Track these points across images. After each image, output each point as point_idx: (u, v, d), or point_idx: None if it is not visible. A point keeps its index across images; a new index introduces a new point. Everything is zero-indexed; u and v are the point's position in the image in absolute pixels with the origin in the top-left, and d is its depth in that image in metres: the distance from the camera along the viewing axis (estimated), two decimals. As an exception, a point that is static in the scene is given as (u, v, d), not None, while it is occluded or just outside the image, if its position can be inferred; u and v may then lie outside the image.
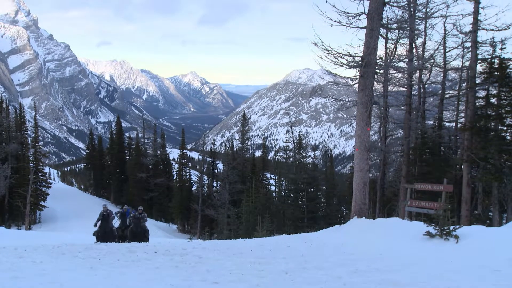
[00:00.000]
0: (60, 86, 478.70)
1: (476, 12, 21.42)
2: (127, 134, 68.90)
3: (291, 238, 12.76)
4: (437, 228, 9.55)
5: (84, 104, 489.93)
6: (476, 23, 21.50)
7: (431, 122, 27.23)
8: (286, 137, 46.03)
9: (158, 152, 58.17)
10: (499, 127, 20.88)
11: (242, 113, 54.75)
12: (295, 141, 42.89)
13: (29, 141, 45.69)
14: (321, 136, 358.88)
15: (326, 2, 15.12)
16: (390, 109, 27.30)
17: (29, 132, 47.17)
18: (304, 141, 44.88)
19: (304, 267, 7.34)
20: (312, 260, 7.85)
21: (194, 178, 55.78)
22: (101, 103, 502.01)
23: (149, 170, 55.57)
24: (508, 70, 20.62)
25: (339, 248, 9.94)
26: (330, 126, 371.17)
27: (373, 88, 16.90)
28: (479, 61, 21.88)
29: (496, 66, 21.01)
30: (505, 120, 20.69)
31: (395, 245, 9.53)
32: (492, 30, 21.60)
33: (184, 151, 52.63)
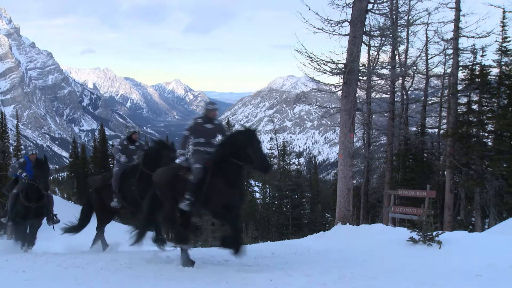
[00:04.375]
0: (43, 94, 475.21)
1: (457, 20, 21.71)
2: (110, 142, 68.44)
3: (276, 245, 12.77)
4: (420, 234, 9.63)
5: (67, 112, 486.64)
6: (457, 31, 21.78)
7: (414, 129, 27.48)
8: (270, 144, 46.03)
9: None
10: (481, 133, 21.13)
11: (226, 121, 54.69)
12: (279, 148, 42.95)
13: (11, 150, 45.17)
14: (305, 143, 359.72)
15: (309, 9, 15.23)
16: (373, 116, 27.50)
17: (11, 141, 46.64)
18: (288, 148, 44.96)
19: (289, 274, 7.34)
20: (297, 267, 7.87)
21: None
22: (84, 111, 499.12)
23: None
24: (489, 76, 20.89)
25: (323, 255, 9.97)
26: (314, 133, 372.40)
27: (357, 95, 17.02)
28: (461, 68, 22.18)
29: (477, 73, 21.30)
30: (486, 126, 20.95)
31: (379, 251, 9.59)
32: (473, 37, 21.91)
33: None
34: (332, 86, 16.71)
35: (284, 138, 57.86)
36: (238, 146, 7.88)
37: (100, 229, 12.18)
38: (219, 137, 8.84)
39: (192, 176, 8.13)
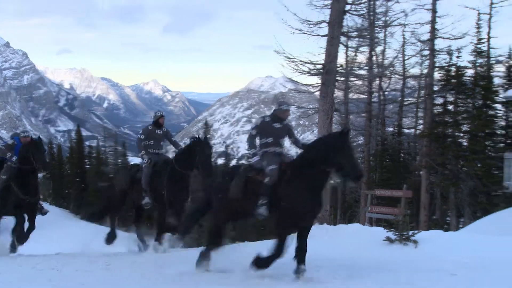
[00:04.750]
0: (18, 95, 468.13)
1: (433, 21, 21.96)
2: (87, 143, 67.78)
3: (254, 245, 12.74)
4: (397, 233, 9.69)
5: (43, 113, 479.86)
6: (433, 32, 22.04)
7: (391, 129, 27.70)
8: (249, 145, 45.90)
9: (119, 160, 57.43)
10: (456, 134, 21.37)
11: (204, 121, 54.50)
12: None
13: (-15, 151, 44.56)
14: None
15: (288, 10, 15.27)
16: (351, 116, 27.65)
17: (-15, 142, 45.99)
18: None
19: (267, 276, 7.33)
20: (272, 267, 7.86)
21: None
22: (60, 111, 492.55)
23: (109, 179, 54.74)
24: (464, 77, 21.14)
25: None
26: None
27: (334, 95, 17.09)
28: (437, 69, 22.40)
29: (453, 74, 21.55)
30: (461, 127, 21.19)
31: (357, 251, 9.61)
32: (449, 38, 22.17)
33: (146, 159, 51.96)
34: (310, 87, 16.79)
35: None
36: (329, 150, 7.17)
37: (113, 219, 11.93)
38: (286, 138, 8.21)
39: (267, 178, 7.47)
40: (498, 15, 23.11)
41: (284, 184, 7.32)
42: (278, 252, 7.14)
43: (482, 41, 21.66)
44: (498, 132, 21.08)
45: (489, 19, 22.75)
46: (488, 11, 22.81)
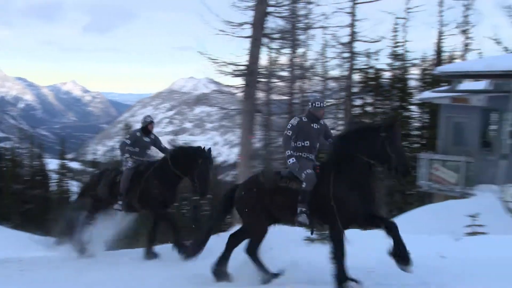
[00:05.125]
0: None
1: (352, 25, 22.46)
2: (1, 145, 64.72)
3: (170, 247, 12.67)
4: (318, 233, 9.75)
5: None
6: (352, 35, 22.53)
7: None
8: (170, 145, 45.41)
9: (35, 162, 55.28)
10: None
11: (124, 122, 53.43)
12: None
13: None
14: (206, 144, 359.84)
15: (210, 11, 15.19)
16: (273, 118, 27.84)
17: None
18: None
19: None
20: (191, 270, 7.82)
21: (75, 188, 53.62)
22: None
23: (25, 181, 52.63)
24: (382, 80, 21.78)
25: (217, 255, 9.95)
26: (214, 135, 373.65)
27: (257, 96, 17.11)
28: (356, 71, 22.94)
29: (371, 76, 22.11)
30: (380, 128, 21.77)
31: (277, 251, 9.62)
32: (367, 41, 22.74)
33: (64, 161, 50.45)
34: (233, 88, 16.74)
35: (184, 140, 57.48)
36: (375, 140, 6.57)
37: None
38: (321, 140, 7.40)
39: (304, 184, 6.82)
40: (413, 20, 24.14)
41: (329, 185, 6.70)
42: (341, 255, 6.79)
43: (399, 44, 22.48)
44: (413, 133, 21.91)
45: (405, 23, 23.67)
46: (404, 15, 23.77)
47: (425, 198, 19.70)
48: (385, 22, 23.77)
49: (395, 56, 22.47)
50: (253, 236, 7.56)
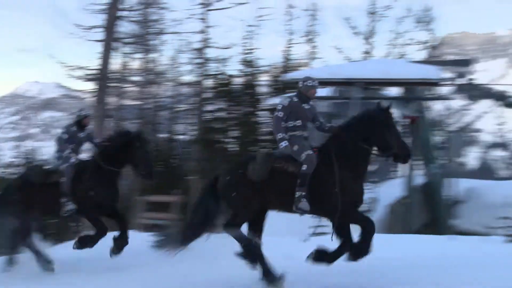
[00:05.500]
0: None
1: (204, 31, 22.66)
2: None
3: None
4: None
5: None
6: (204, 41, 22.74)
7: (164, 135, 27.91)
8: (15, 152, 42.76)
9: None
10: (226, 139, 22.30)
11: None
12: (26, 156, 40.39)
13: None
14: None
15: (60, 14, 14.58)
16: (124, 122, 27.25)
17: None
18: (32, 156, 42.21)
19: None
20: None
21: None
22: None
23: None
24: (233, 85, 22.18)
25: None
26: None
27: (108, 101, 16.66)
28: (208, 76, 23.17)
29: (223, 82, 22.44)
30: (230, 133, 22.16)
31: (124, 259, 9.36)
32: (219, 48, 23.09)
33: None
34: (83, 92, 16.16)
35: (30, 146, 54.42)
36: (375, 127, 6.51)
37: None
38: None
39: (305, 166, 6.40)
40: (263, 28, 25.10)
41: (333, 171, 6.36)
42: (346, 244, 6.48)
43: (249, 51, 23.10)
44: (264, 137, 22.59)
45: (255, 31, 24.44)
46: (254, 23, 24.53)
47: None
48: (236, 29, 24.30)
49: (246, 62, 23.04)
50: (240, 220, 6.92)
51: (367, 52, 28.01)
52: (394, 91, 20.40)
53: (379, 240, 6.46)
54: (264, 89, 23.71)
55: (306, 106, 6.86)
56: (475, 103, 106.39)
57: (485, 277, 6.15)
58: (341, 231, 6.51)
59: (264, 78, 24.18)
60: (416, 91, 18.36)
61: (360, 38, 28.36)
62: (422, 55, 28.16)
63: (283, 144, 6.64)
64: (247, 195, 6.70)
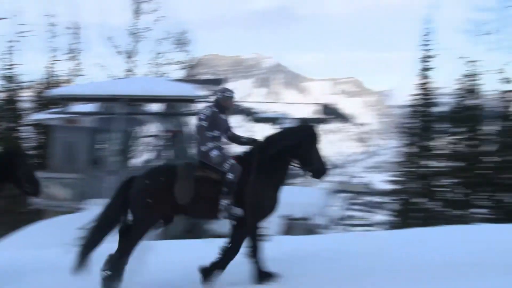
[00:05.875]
0: None
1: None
2: None
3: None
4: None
5: None
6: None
7: None
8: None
9: None
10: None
11: None
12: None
13: None
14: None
15: None
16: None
17: None
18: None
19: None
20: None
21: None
22: None
23: None
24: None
25: None
26: None
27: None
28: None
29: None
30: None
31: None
32: None
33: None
34: None
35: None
36: (299, 142, 6.69)
37: None
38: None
39: (230, 175, 6.45)
40: (25, 44, 24.82)
41: (254, 179, 6.49)
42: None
43: (11, 66, 22.73)
44: (29, 152, 22.24)
45: (16, 47, 24.08)
46: (15, 39, 24.24)
47: (39, 215, 20.15)
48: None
49: (7, 78, 22.58)
50: (141, 232, 6.69)
51: (129, 70, 29.32)
52: (155, 107, 21.82)
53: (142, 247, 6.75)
54: (27, 105, 23.47)
55: (223, 117, 6.95)
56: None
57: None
58: (236, 237, 6.71)
59: (27, 94, 23.92)
60: (175, 107, 20.02)
61: (122, 56, 29.62)
62: (180, 74, 30.39)
63: (214, 152, 6.68)
64: (162, 202, 6.61)
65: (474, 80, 22.30)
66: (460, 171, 21.16)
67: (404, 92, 29.34)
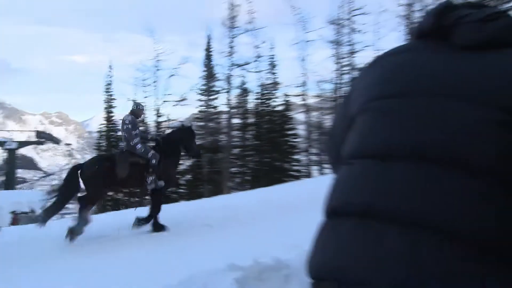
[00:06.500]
0: None
1: None
2: None
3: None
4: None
5: None
6: None
7: None
8: None
9: None
10: None
11: None
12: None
13: None
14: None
15: None
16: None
17: None
18: None
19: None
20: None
21: None
22: None
23: None
24: None
25: None
26: None
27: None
28: None
29: None
30: None
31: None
32: None
33: None
34: None
35: None
36: (187, 136, 9.72)
37: None
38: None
39: (153, 160, 8.89)
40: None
41: (166, 162, 9.07)
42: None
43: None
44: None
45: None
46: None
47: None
48: None
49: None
50: (92, 201, 9.19)
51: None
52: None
53: None
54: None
55: (138, 120, 9.49)
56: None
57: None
58: (155, 199, 9.07)
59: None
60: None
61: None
62: None
63: (139, 146, 8.95)
64: (108, 179, 8.62)
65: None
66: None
67: (99, 122, 38.71)
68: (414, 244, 1.02)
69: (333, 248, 1.16)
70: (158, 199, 9.02)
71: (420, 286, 0.97)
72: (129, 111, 9.35)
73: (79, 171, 8.67)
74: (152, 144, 9.48)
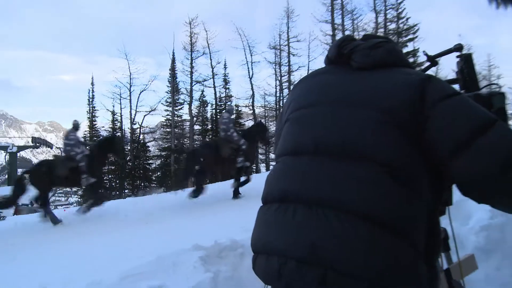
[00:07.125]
0: None
1: None
2: None
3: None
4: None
5: None
6: None
7: None
8: None
9: None
10: None
11: None
12: None
13: None
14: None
15: None
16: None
17: None
18: None
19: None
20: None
21: None
22: None
23: None
24: None
25: None
26: None
27: None
28: None
29: None
30: None
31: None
32: None
33: None
34: None
35: None
36: (261, 129, 12.32)
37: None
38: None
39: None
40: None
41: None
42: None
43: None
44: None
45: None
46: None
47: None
48: None
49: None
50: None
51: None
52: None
53: None
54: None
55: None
56: None
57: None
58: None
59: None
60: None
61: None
62: None
63: (234, 135, 11.72)
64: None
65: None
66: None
67: (83, 129, 43.29)
68: (318, 219, 1.39)
69: (263, 227, 1.58)
70: (243, 175, 11.95)
71: (322, 249, 1.35)
72: (224, 112, 12.78)
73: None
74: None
